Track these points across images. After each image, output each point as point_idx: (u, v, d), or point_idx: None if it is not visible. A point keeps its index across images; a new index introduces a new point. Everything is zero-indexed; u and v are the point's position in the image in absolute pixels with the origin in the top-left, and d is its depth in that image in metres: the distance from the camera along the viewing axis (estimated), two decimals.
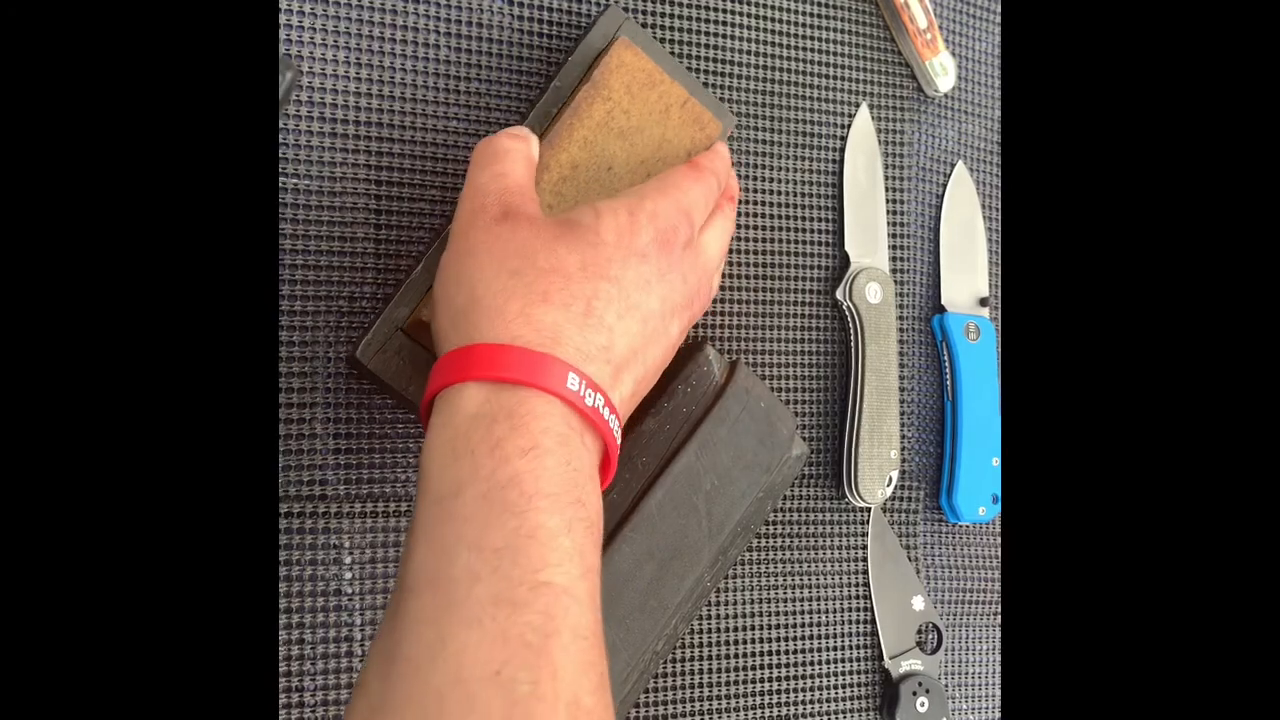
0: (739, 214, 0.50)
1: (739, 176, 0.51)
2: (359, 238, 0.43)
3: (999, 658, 0.56)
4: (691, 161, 0.41)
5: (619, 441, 0.36)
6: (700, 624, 0.49)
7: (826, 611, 0.51)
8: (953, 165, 0.56)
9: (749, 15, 0.51)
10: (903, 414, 0.54)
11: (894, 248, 0.54)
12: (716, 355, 0.44)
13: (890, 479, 0.51)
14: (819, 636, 0.51)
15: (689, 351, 0.43)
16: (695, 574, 0.43)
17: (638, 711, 0.47)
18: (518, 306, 0.34)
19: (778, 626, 0.50)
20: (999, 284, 0.57)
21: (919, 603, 0.53)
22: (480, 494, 0.31)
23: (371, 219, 0.43)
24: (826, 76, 0.53)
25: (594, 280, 0.35)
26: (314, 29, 0.43)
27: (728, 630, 0.49)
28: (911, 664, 0.52)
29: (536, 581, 0.30)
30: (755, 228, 0.51)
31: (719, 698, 0.49)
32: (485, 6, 0.46)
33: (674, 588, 0.42)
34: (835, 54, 0.53)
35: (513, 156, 0.39)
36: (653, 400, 0.42)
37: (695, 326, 0.49)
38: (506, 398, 0.33)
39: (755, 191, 0.51)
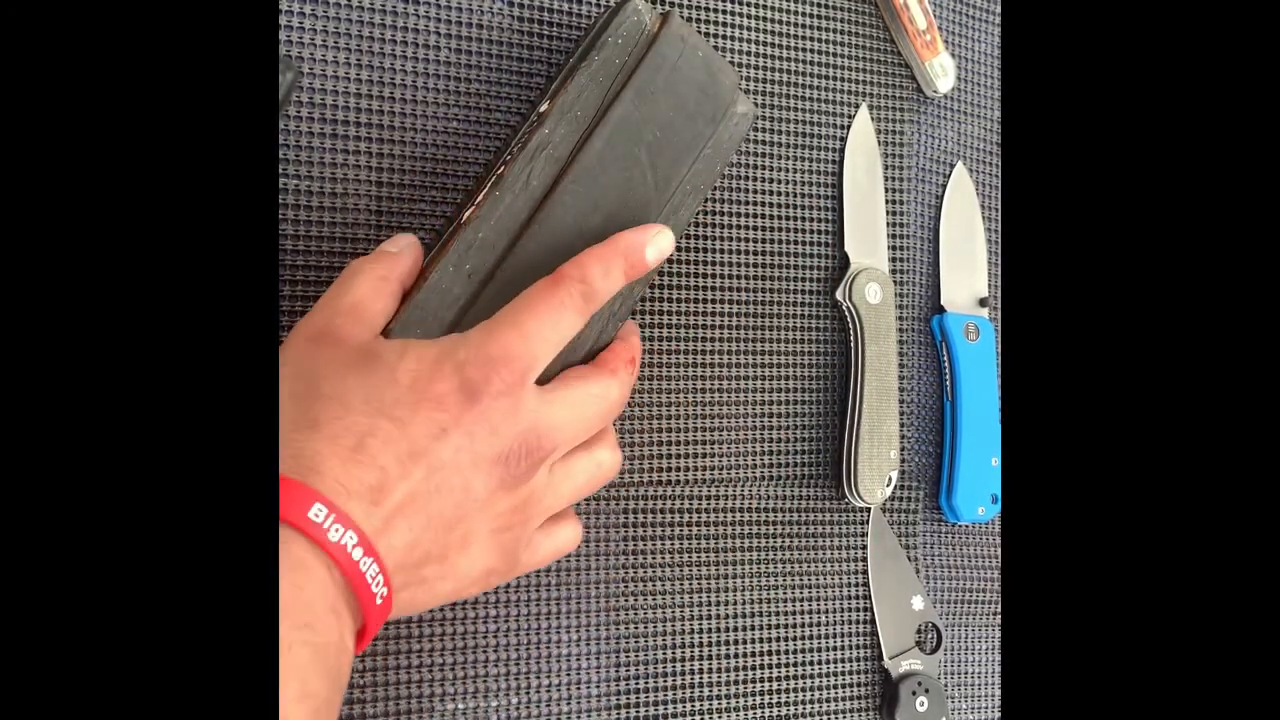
0: (738, 215, 0.50)
1: (739, 178, 0.51)
2: (359, 238, 0.43)
3: (998, 657, 0.56)
4: (555, 274, 0.38)
5: (384, 595, 0.33)
6: (700, 624, 0.49)
7: (826, 611, 0.51)
8: (952, 165, 0.56)
9: (748, 15, 0.51)
10: (902, 414, 0.54)
11: (894, 248, 0.54)
12: (646, 4, 0.42)
13: (890, 479, 0.51)
14: (818, 636, 0.51)
15: (618, 6, 0.41)
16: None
17: (637, 711, 0.47)
18: (283, 431, 0.33)
19: (777, 626, 0.50)
20: (998, 284, 0.57)
21: (918, 603, 0.53)
22: None
23: (372, 219, 0.43)
24: (826, 77, 0.53)
25: (373, 417, 0.33)
26: (314, 29, 0.43)
27: (727, 630, 0.49)
28: (911, 664, 0.52)
29: None
30: (755, 228, 0.51)
31: (719, 698, 0.49)
32: (485, 7, 0.46)
33: None
34: (835, 54, 0.53)
35: (359, 277, 0.37)
36: (584, 56, 0.41)
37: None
38: None
39: (755, 192, 0.51)
